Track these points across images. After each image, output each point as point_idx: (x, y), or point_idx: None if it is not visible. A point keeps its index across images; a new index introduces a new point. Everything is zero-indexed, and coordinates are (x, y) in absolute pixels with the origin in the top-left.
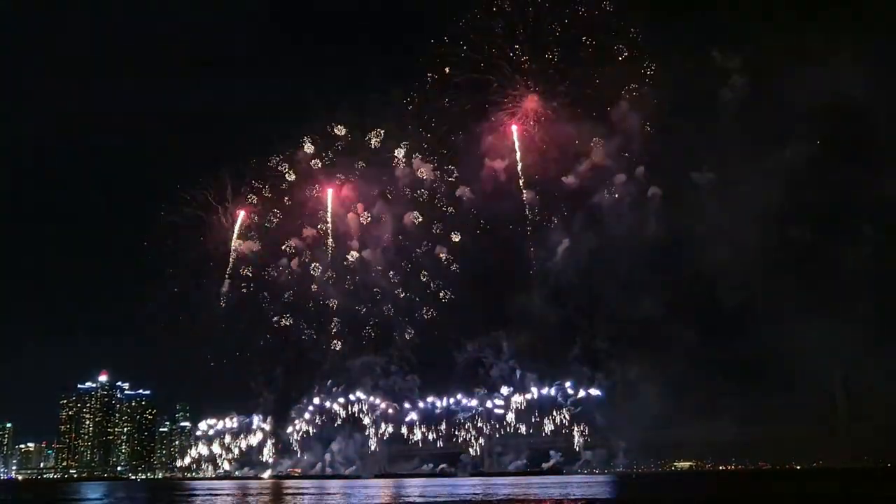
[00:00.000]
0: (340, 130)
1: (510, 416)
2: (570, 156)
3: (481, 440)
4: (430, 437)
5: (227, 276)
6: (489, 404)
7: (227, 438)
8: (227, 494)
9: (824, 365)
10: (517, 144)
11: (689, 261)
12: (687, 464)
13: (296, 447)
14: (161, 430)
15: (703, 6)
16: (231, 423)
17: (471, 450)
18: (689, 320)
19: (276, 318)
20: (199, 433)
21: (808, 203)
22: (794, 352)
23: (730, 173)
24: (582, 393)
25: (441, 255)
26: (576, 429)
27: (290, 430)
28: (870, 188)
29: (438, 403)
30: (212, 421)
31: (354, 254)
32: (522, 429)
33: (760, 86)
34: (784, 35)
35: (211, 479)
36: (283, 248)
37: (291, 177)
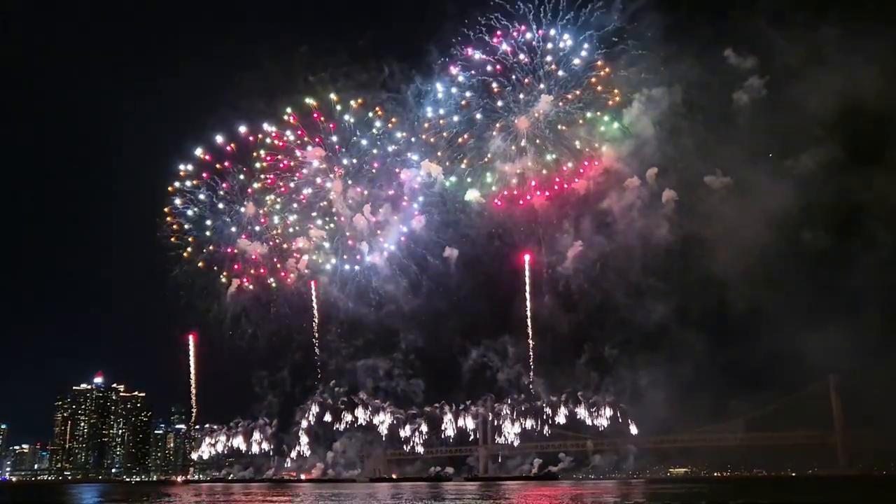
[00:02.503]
0: (350, 129)
1: (516, 420)
2: (582, 158)
3: (486, 445)
4: (436, 440)
5: (233, 276)
6: (496, 408)
7: (227, 441)
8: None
9: (825, 372)
10: (527, 148)
11: (700, 265)
12: (682, 470)
13: (298, 449)
14: (156, 432)
15: (715, 6)
16: (233, 425)
17: (475, 454)
18: (699, 326)
19: (281, 320)
20: (197, 435)
21: (823, 208)
22: (798, 358)
23: (744, 177)
24: (591, 398)
25: (448, 258)
26: (587, 433)
27: (292, 431)
28: (886, 193)
29: (447, 408)
30: (212, 424)
31: (361, 256)
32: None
33: (776, 88)
34: (797, 35)
35: (206, 481)
36: (291, 248)
37: (299, 176)
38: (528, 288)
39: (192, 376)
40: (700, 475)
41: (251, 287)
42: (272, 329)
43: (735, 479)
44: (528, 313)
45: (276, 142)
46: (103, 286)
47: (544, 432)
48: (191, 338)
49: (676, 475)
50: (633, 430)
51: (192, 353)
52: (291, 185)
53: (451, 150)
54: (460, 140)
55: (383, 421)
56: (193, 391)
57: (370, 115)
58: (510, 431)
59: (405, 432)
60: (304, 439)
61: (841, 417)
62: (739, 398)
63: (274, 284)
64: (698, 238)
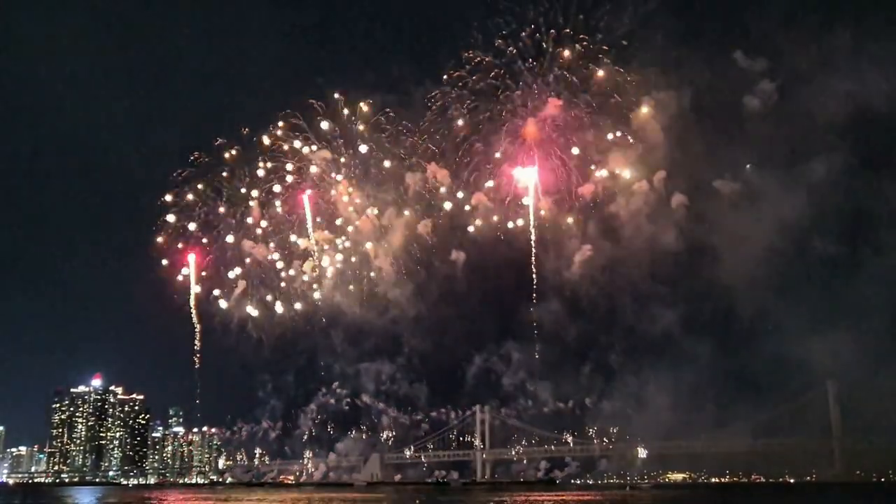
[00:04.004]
0: (359, 131)
1: (521, 425)
2: (590, 163)
3: (484, 449)
4: (439, 444)
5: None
6: (503, 413)
7: (229, 445)
8: None
9: (828, 379)
10: (535, 151)
11: (707, 272)
12: (680, 476)
13: (299, 453)
14: (154, 435)
15: (726, 8)
16: (237, 429)
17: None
18: (705, 332)
19: (287, 323)
20: (198, 438)
21: (834, 214)
22: (803, 365)
23: (754, 183)
24: (598, 404)
25: (455, 262)
26: (594, 439)
27: (295, 435)
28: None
29: (453, 414)
30: (209, 428)
31: (366, 259)
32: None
33: (786, 93)
34: (808, 39)
35: (201, 485)
36: (296, 250)
37: (305, 177)
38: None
39: (193, 299)
40: (699, 481)
41: (256, 291)
42: (277, 333)
43: (735, 486)
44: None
45: (282, 144)
46: (103, 288)
47: (549, 439)
48: (191, 257)
49: (675, 481)
50: (642, 453)
51: (192, 274)
52: (297, 188)
53: (457, 154)
54: (467, 143)
55: (383, 424)
56: (196, 320)
57: (377, 117)
58: (515, 444)
59: (408, 436)
60: (305, 442)
61: (840, 424)
62: (743, 405)
63: (279, 299)
64: (706, 244)
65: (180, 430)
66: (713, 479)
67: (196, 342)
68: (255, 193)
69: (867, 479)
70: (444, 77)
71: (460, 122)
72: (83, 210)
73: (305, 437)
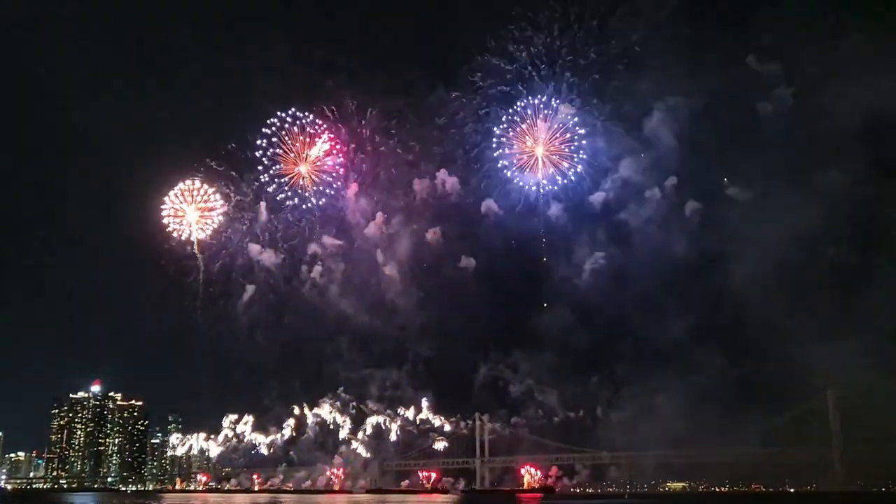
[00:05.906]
0: (368, 136)
1: (528, 435)
2: (600, 170)
3: (485, 456)
4: (443, 451)
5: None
6: (513, 421)
7: (233, 451)
8: None
9: (826, 387)
10: (546, 158)
11: (718, 279)
12: (680, 485)
13: (304, 459)
14: (153, 441)
15: (740, 15)
16: (241, 435)
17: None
18: (716, 341)
19: (294, 330)
20: (200, 445)
21: (848, 222)
22: (810, 374)
23: (767, 189)
24: (607, 413)
25: (463, 270)
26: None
27: (300, 441)
28: None
29: (462, 423)
30: (209, 433)
31: (374, 265)
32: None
33: (799, 99)
34: (823, 44)
35: (201, 492)
36: (304, 255)
37: (311, 182)
38: None
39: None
40: (698, 490)
41: (265, 295)
42: (285, 340)
43: (735, 495)
44: None
45: (290, 152)
46: (103, 293)
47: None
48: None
49: (675, 489)
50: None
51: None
52: (305, 192)
53: (468, 160)
54: (477, 149)
55: (391, 435)
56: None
57: (388, 122)
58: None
59: (413, 443)
60: (308, 448)
61: (840, 433)
62: (751, 413)
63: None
64: (718, 252)
65: (180, 436)
66: (714, 489)
67: (201, 346)
68: (262, 195)
69: (868, 489)
70: (456, 83)
71: (471, 128)
72: (84, 214)
73: (310, 443)
